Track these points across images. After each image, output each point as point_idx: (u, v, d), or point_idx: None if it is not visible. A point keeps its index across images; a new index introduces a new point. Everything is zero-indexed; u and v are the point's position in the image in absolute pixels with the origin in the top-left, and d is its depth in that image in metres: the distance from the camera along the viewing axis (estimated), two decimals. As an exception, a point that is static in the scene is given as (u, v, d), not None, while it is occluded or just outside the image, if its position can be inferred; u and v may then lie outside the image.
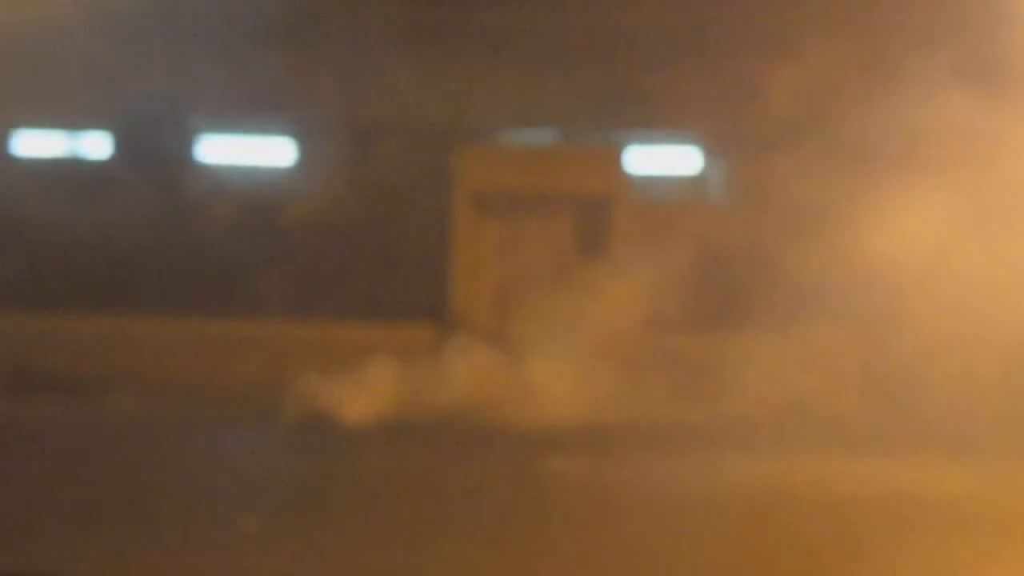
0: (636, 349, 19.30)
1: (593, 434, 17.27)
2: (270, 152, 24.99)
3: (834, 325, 18.63)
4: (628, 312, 20.03)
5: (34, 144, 24.01)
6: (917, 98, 18.21)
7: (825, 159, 21.16)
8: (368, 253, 22.76)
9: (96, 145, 24.37)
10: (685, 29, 24.07)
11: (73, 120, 23.55)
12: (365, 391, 19.00)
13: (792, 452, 15.69)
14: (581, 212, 23.86)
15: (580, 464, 14.25)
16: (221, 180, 23.79)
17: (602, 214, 23.50)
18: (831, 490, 12.62)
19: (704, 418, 18.13)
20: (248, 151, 25.02)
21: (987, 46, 18.23)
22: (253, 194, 23.56)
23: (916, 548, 9.57)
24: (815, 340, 18.77)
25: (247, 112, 24.05)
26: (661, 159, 25.33)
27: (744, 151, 24.02)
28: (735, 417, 18.01)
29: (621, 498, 12.10)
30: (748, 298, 19.71)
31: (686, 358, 19.15)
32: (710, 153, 25.06)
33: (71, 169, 23.55)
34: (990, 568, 8.89)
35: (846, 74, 21.20)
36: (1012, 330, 16.55)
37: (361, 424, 18.36)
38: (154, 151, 23.46)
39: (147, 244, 22.43)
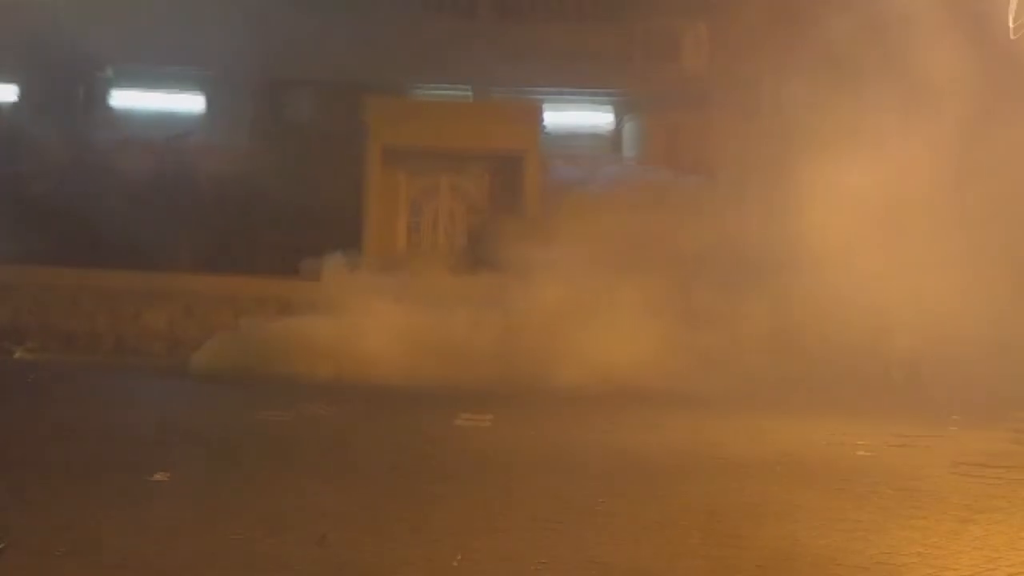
0: (549, 303, 19.37)
1: (506, 392, 17.39)
2: (184, 106, 24.86)
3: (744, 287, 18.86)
4: (539, 267, 20.12)
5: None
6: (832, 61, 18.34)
7: (738, 118, 21.33)
8: (283, 208, 22.70)
9: (6, 96, 24.11)
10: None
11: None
12: (272, 345, 19.02)
13: (694, 413, 15.92)
14: (493, 167, 23.90)
15: (490, 420, 14.36)
16: (135, 133, 23.64)
17: (514, 169, 23.55)
18: (735, 450, 12.80)
19: (616, 377, 18.25)
20: (162, 105, 24.87)
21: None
22: (166, 148, 23.44)
23: (817, 505, 9.74)
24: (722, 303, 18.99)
25: (161, 65, 23.89)
26: (575, 115, 25.44)
27: (657, 108, 24.14)
28: (647, 376, 18.20)
29: (525, 452, 12.23)
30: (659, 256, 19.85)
31: (599, 315, 19.23)
32: (624, 110, 25.19)
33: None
34: (889, 523, 9.08)
35: (760, 34, 21.31)
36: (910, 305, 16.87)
37: (269, 376, 18.40)
38: (66, 104, 23.25)
39: (58, 195, 22.27)
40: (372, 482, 10.33)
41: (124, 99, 24.68)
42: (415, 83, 24.76)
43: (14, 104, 24.12)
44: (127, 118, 24.24)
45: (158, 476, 9.98)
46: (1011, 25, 14.66)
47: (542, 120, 23.93)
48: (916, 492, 10.38)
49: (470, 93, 24.96)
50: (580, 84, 24.60)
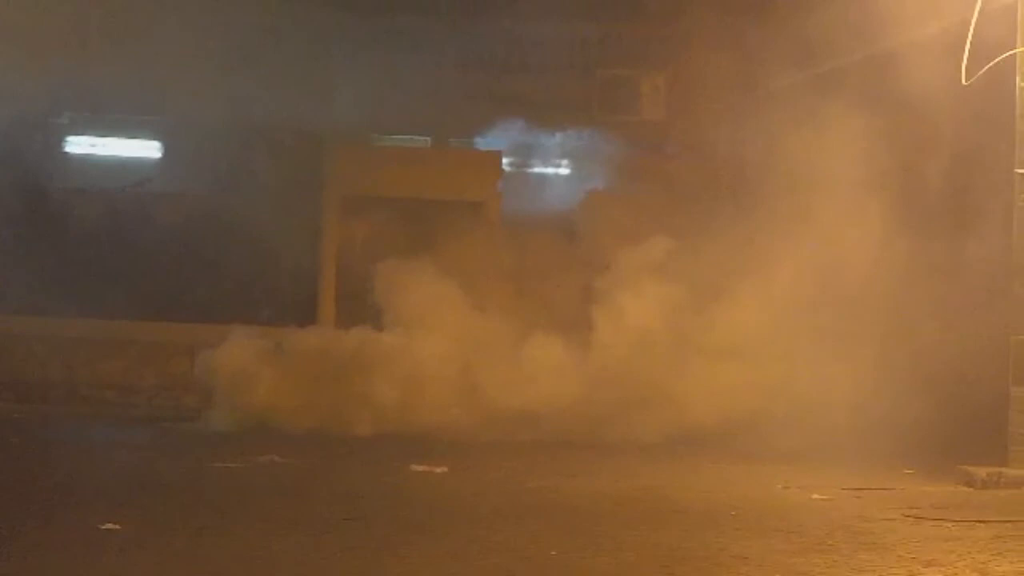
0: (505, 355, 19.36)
1: (463, 441, 17.39)
2: (140, 154, 24.78)
3: None
4: (499, 319, 20.07)
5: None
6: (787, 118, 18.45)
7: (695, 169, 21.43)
8: (240, 256, 22.65)
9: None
10: (555, 37, 24.21)
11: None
12: (229, 392, 18.95)
13: (657, 461, 15.96)
14: (452, 215, 23.89)
15: (445, 470, 14.36)
16: (91, 181, 23.57)
17: (473, 217, 23.55)
18: (689, 497, 12.83)
19: (580, 429, 18.26)
20: (119, 152, 24.78)
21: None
22: (122, 195, 23.39)
23: (771, 553, 9.74)
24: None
25: (116, 113, 23.83)
26: (534, 162, 25.45)
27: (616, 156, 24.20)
28: (607, 426, 18.23)
29: (483, 500, 12.24)
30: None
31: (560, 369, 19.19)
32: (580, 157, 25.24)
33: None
34: (843, 570, 9.10)
35: (719, 87, 21.44)
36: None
37: (225, 424, 18.34)
38: (22, 151, 23.16)
39: (12, 243, 22.18)
40: (328, 532, 10.29)
41: (80, 146, 24.60)
42: (374, 132, 24.78)
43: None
44: (83, 165, 24.16)
45: (108, 526, 9.93)
46: (963, 70, 14.78)
47: (502, 168, 24.00)
48: (870, 539, 10.41)
49: (429, 142, 25.02)
50: (538, 130, 24.64)
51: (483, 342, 19.33)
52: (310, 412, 18.59)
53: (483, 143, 24.42)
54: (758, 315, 18.20)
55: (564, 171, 25.00)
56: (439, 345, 19.23)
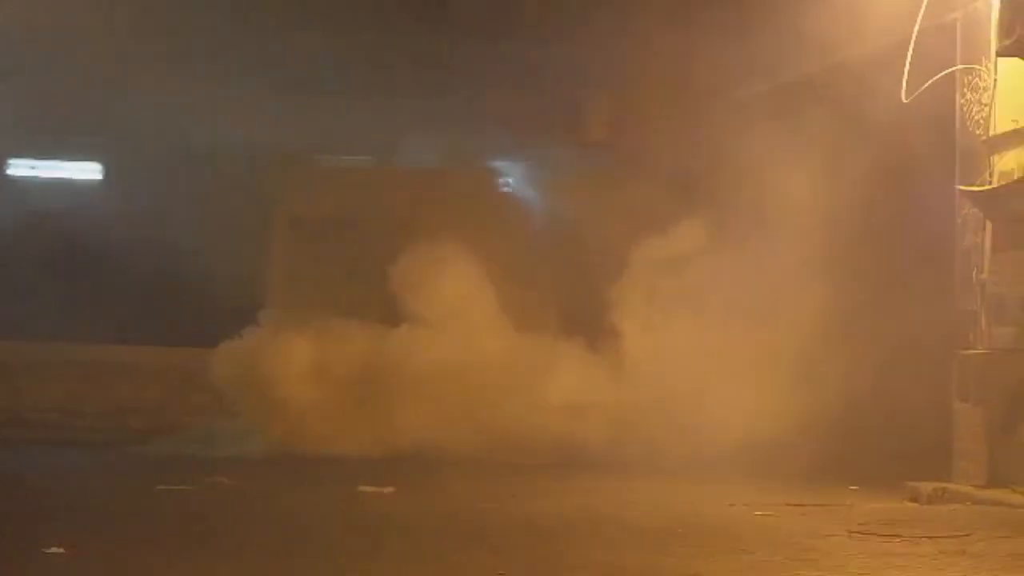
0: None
1: (409, 461, 17.39)
2: (86, 176, 24.69)
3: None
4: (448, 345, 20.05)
5: None
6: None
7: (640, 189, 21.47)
8: (185, 278, 22.57)
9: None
10: (503, 56, 24.25)
11: None
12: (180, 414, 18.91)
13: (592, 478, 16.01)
14: (400, 236, 23.86)
15: (393, 490, 14.35)
16: (33, 203, 23.47)
17: (423, 234, 23.52)
18: (634, 515, 12.86)
19: (529, 445, 18.28)
20: (64, 175, 24.68)
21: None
22: (68, 217, 23.28)
23: (725, 572, 9.78)
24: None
25: (62, 137, 23.75)
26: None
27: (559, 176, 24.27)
28: (551, 442, 18.26)
29: (427, 520, 12.25)
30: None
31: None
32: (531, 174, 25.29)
33: None
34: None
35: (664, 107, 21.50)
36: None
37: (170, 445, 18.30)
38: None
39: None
40: (273, 554, 10.26)
41: (22, 168, 24.50)
42: (318, 153, 24.76)
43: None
44: (26, 187, 24.06)
45: (53, 549, 9.87)
46: (904, 88, 14.93)
47: (450, 186, 24.01)
48: (816, 556, 10.45)
49: (371, 161, 25.02)
50: (483, 153, 24.69)
51: (501, 357, 19.30)
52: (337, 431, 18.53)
53: (431, 163, 24.44)
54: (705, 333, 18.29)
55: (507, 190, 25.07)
56: (452, 354, 19.16)
